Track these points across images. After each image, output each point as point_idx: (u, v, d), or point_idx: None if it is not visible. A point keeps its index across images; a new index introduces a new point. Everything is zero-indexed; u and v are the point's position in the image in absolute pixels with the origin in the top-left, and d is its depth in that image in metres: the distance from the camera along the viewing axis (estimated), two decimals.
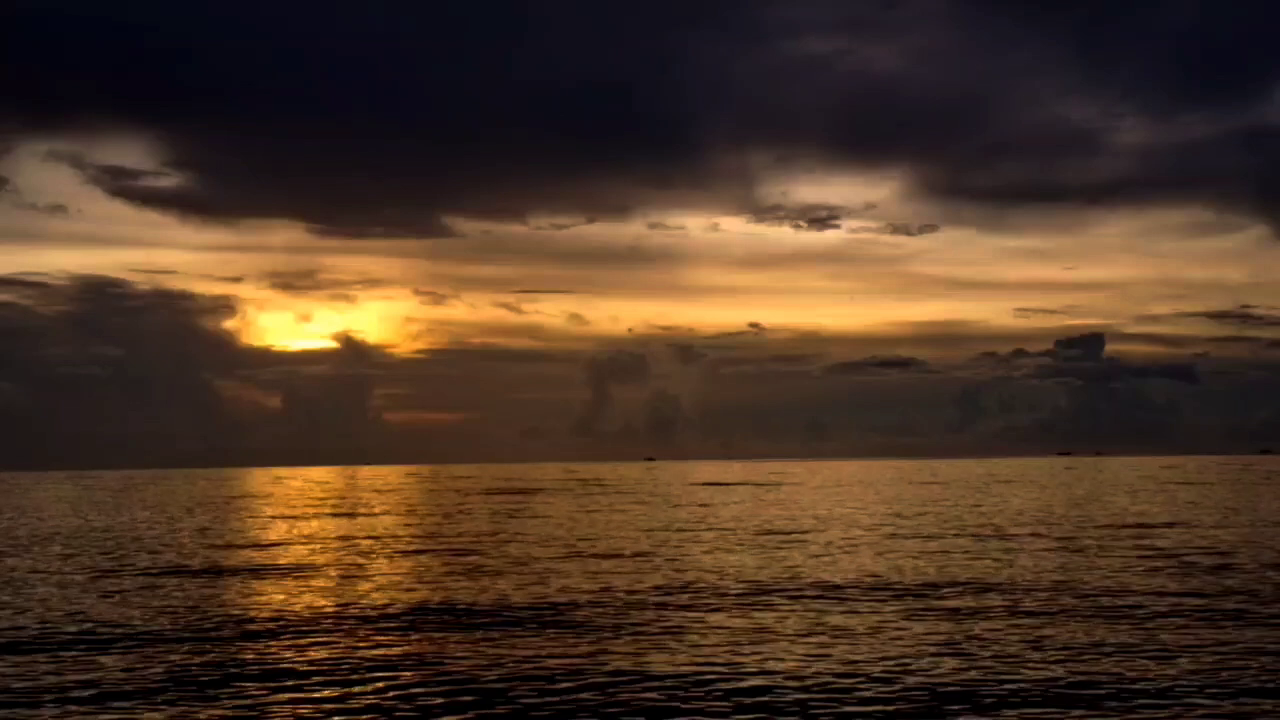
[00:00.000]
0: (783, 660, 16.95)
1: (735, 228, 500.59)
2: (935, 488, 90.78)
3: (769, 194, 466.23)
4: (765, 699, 14.61)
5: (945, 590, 24.47)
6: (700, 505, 65.51)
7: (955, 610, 21.57)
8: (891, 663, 16.64)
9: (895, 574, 27.59)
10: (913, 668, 16.33)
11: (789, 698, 14.64)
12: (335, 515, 59.65)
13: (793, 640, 18.61)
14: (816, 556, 32.25)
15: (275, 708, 14.46)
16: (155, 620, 21.33)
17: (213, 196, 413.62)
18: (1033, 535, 39.84)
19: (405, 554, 34.98)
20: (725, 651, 17.59)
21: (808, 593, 24.38)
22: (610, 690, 15.12)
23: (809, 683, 15.43)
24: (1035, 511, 54.46)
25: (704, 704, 14.40)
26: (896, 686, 15.20)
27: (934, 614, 21.14)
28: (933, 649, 17.71)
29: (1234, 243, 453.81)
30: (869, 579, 26.58)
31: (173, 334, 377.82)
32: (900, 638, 18.73)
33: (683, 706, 14.27)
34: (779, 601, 23.07)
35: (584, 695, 14.88)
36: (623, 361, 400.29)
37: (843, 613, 21.49)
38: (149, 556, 35.01)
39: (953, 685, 15.24)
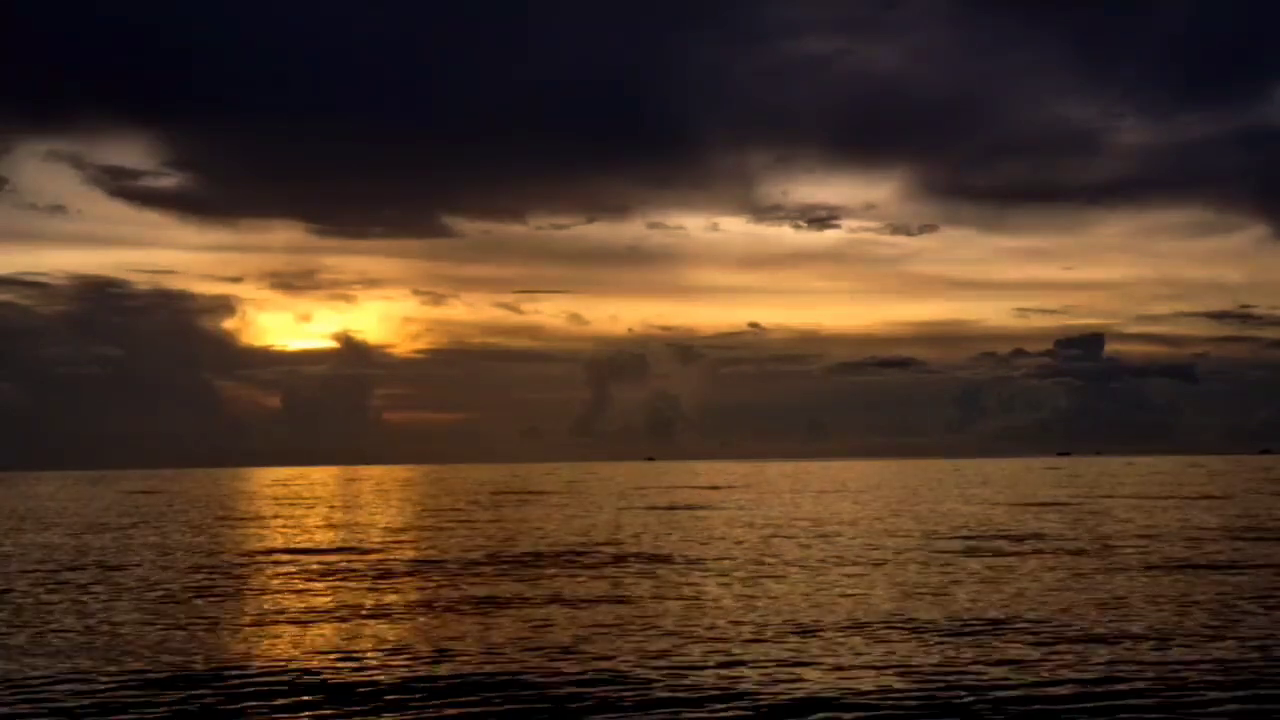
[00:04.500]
0: None
1: (735, 228, 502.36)
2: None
3: (769, 194, 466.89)
4: None
5: None
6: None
7: None
8: None
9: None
10: None
11: None
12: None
13: None
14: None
15: None
16: None
17: (213, 196, 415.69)
18: None
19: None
20: None
21: None
22: None
23: None
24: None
25: None
26: None
27: None
28: None
29: (1234, 243, 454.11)
30: None
31: (173, 334, 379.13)
32: None
33: None
34: None
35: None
36: (622, 361, 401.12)
37: None
38: None
39: None
